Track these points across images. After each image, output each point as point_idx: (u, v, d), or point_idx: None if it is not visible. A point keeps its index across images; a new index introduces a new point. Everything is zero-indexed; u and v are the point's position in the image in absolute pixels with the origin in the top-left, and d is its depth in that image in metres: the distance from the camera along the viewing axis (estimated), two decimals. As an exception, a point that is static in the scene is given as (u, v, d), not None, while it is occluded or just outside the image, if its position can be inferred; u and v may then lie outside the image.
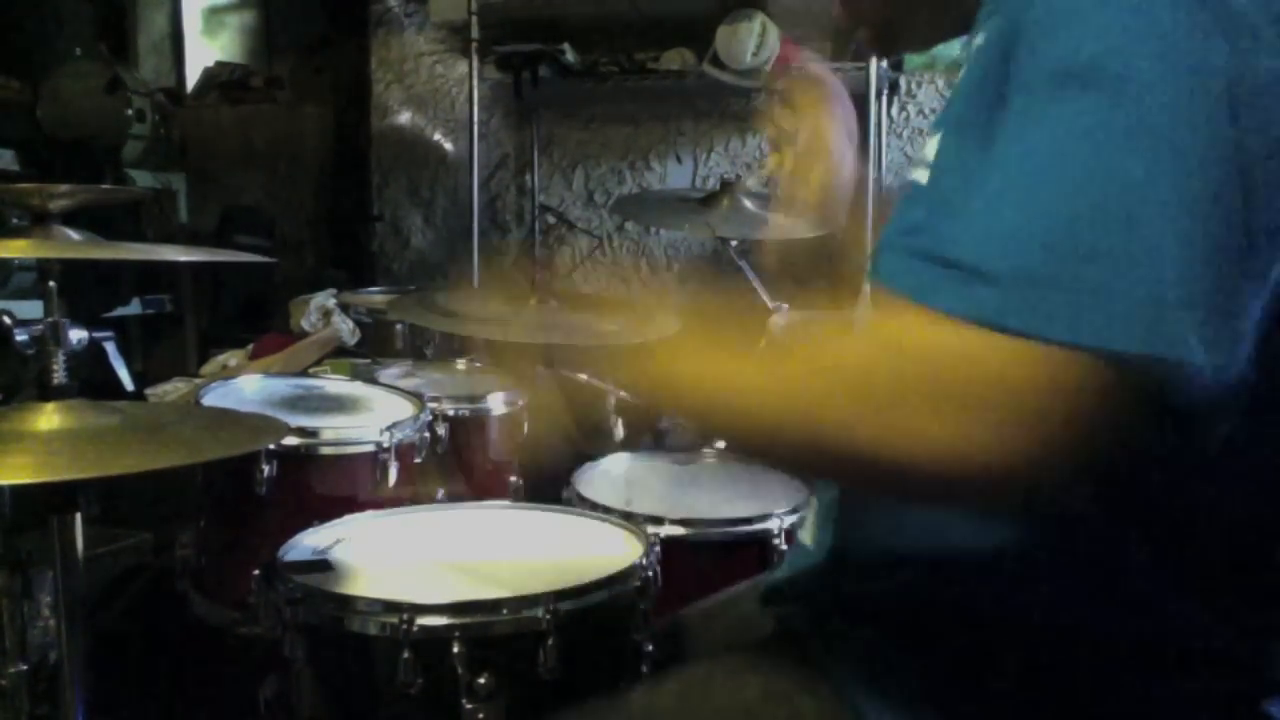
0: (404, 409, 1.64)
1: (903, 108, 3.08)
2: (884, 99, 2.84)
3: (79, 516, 1.06)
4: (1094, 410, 0.51)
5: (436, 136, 3.67)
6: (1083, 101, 0.52)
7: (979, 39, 0.64)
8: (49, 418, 1.01)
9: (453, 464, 1.71)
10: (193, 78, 4.31)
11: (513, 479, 1.84)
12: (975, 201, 0.55)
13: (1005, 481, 0.54)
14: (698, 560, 1.30)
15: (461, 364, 2.13)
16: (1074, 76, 0.53)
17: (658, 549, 1.13)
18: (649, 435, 2.20)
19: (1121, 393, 0.51)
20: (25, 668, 1.24)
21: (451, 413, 1.72)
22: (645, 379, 0.80)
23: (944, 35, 0.85)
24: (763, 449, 0.79)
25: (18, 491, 1.24)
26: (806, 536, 0.88)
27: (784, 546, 1.32)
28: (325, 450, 1.48)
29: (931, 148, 0.66)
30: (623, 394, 2.29)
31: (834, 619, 0.81)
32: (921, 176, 0.66)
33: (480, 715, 0.92)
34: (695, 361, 0.73)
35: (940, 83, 3.02)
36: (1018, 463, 0.52)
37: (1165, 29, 0.52)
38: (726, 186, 1.92)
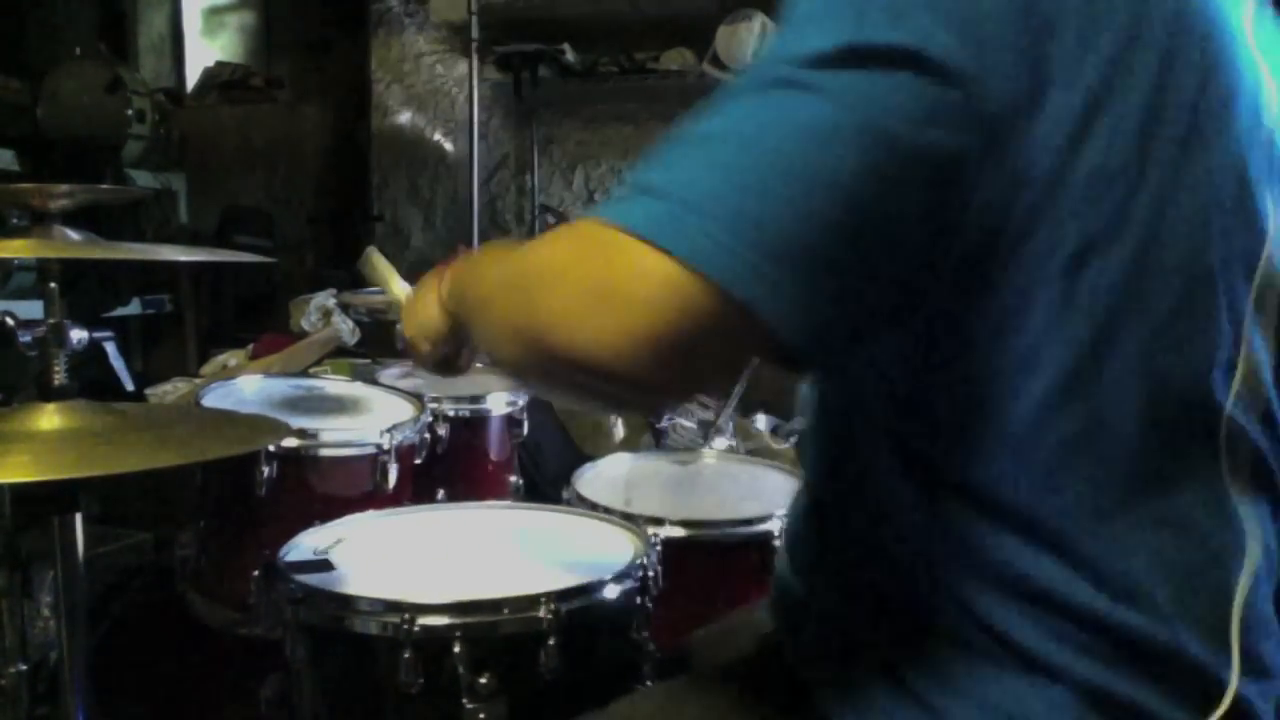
0: (404, 410, 1.63)
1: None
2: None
3: (79, 516, 1.06)
4: (700, 330, 0.57)
5: (436, 136, 3.67)
6: (782, 97, 0.59)
7: None
8: (50, 418, 1.01)
9: (453, 464, 1.71)
10: (193, 78, 4.32)
11: (513, 479, 1.84)
12: (670, 148, 0.61)
13: (628, 380, 0.59)
14: (698, 561, 1.30)
15: (461, 364, 2.13)
16: (781, 82, 0.60)
17: (658, 548, 1.13)
18: (649, 435, 2.20)
19: (729, 322, 0.57)
20: (25, 668, 1.24)
21: (451, 413, 1.72)
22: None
23: None
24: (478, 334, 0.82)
25: (18, 491, 1.24)
26: None
27: (785, 547, 1.31)
28: (325, 451, 1.47)
29: None
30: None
31: (790, 631, 0.82)
32: None
33: (481, 715, 0.92)
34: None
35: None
36: (631, 361, 0.58)
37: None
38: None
